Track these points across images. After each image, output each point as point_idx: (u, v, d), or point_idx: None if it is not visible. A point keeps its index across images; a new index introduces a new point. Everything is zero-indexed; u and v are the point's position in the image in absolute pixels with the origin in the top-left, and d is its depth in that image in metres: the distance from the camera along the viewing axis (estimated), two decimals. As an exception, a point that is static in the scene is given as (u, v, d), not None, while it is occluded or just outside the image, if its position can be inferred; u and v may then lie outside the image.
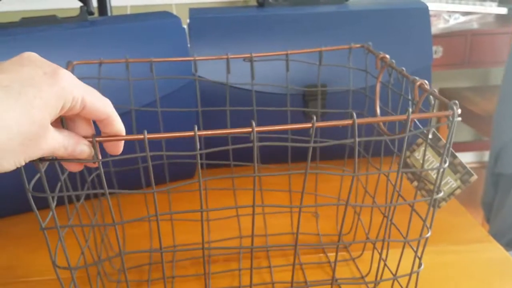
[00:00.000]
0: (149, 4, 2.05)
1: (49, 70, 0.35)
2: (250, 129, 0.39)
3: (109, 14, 1.04)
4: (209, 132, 0.39)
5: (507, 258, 0.60)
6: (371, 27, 0.81)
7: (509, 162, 1.31)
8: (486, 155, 2.29)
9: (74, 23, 0.72)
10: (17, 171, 0.68)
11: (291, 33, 0.79)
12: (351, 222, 0.65)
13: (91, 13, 0.74)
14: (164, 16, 0.77)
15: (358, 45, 0.62)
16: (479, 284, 0.56)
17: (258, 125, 0.39)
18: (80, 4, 0.73)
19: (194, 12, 0.80)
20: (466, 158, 2.43)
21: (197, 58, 0.59)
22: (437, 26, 1.84)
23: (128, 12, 2.02)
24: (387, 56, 0.56)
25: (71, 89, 0.36)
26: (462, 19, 1.87)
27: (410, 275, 0.49)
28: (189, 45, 0.76)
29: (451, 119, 0.41)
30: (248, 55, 0.59)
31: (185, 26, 0.76)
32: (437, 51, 1.86)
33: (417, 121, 0.46)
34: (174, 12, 0.78)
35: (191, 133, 0.38)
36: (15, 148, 0.33)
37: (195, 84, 0.75)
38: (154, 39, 0.72)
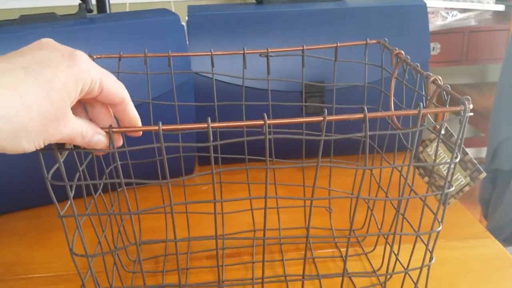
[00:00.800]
0: (148, 1, 2.05)
1: (67, 52, 0.36)
2: (263, 122, 0.39)
3: (108, 11, 1.04)
4: (223, 124, 0.39)
5: (504, 254, 0.60)
6: (369, 24, 0.81)
7: (506, 158, 1.32)
8: (483, 151, 2.29)
9: (73, 21, 0.72)
10: (19, 168, 0.68)
11: (289, 30, 0.79)
12: (364, 217, 0.65)
13: (90, 11, 0.74)
14: (163, 14, 0.77)
15: (374, 41, 0.61)
16: (477, 280, 0.56)
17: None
18: (79, 1, 0.73)
19: (193, 10, 0.80)
20: (464, 154, 2.42)
21: (214, 53, 0.59)
22: (435, 23, 1.84)
23: (127, 9, 2.02)
24: (402, 52, 0.55)
25: (89, 71, 0.36)
26: (460, 16, 1.87)
27: (421, 268, 0.50)
28: (187, 42, 0.77)
29: (462, 114, 0.42)
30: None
31: (184, 24, 0.76)
32: (435, 48, 1.87)
33: (430, 117, 0.46)
34: (173, 10, 0.78)
35: (205, 125, 0.39)
36: (35, 128, 0.34)
37: (192, 82, 0.76)
38: (153, 37, 0.72)
